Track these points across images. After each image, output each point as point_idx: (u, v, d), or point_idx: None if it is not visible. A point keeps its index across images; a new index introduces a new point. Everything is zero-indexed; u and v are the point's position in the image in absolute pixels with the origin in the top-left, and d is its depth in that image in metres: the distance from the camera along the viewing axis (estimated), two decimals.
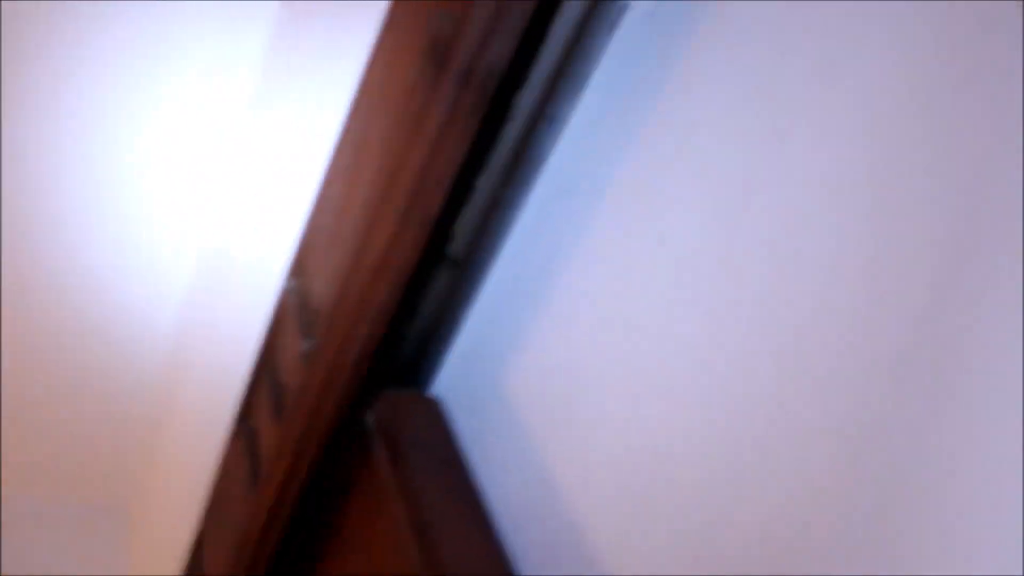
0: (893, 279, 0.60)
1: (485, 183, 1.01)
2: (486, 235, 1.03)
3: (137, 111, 2.34)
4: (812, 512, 0.62)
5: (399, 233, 0.90)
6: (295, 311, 1.10)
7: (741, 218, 0.73)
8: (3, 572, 2.38)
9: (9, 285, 2.48)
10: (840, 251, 0.64)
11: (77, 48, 2.20)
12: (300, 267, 1.11)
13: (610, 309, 0.90)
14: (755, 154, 0.73)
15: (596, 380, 0.90)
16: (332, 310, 0.98)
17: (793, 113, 0.70)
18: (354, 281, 0.95)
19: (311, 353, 1.02)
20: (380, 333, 0.98)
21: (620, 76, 0.93)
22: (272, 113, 2.31)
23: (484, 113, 0.95)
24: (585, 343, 0.92)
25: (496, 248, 1.05)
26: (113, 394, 2.77)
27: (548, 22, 0.84)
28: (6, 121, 2.22)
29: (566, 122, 0.98)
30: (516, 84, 0.93)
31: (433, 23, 0.86)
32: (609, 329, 0.89)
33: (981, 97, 0.56)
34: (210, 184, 2.52)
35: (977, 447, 0.52)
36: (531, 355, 1.00)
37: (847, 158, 0.65)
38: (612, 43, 0.96)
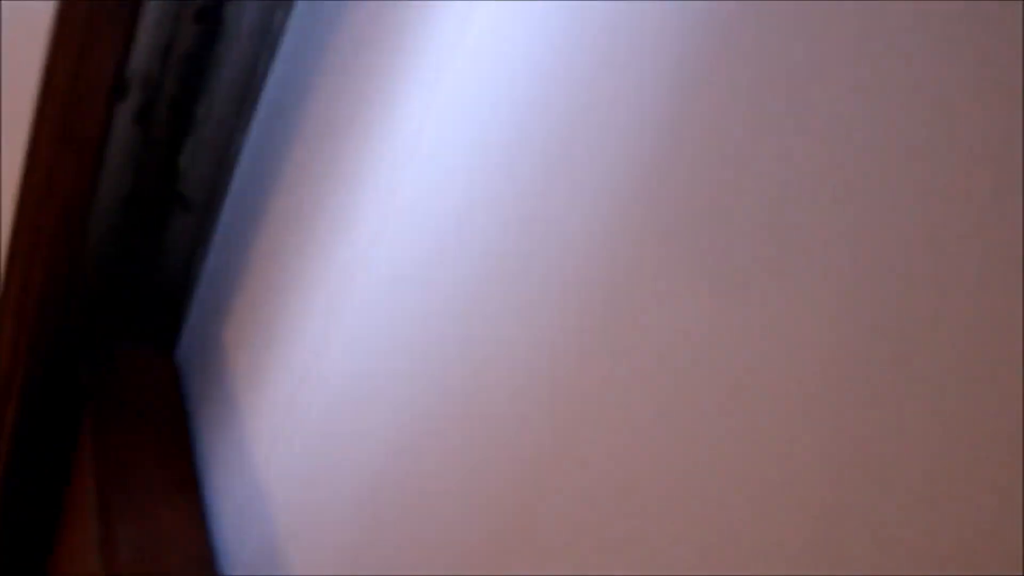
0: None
1: (207, 111, 0.87)
2: (216, 169, 0.89)
3: None
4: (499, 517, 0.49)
5: (58, 157, 0.75)
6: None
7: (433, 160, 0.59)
8: None
9: None
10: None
11: None
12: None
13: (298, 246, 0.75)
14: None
15: (294, 345, 0.76)
16: (9, 247, 0.84)
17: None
18: (24, 213, 0.80)
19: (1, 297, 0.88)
20: (62, 275, 0.84)
21: None
22: None
23: (204, 31, 0.81)
24: (280, 293, 0.78)
25: (228, 184, 0.91)
26: None
27: None
28: None
29: (284, 34, 0.83)
30: None
31: None
32: (296, 271, 0.75)
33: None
34: None
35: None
36: (246, 310, 0.86)
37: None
38: None
